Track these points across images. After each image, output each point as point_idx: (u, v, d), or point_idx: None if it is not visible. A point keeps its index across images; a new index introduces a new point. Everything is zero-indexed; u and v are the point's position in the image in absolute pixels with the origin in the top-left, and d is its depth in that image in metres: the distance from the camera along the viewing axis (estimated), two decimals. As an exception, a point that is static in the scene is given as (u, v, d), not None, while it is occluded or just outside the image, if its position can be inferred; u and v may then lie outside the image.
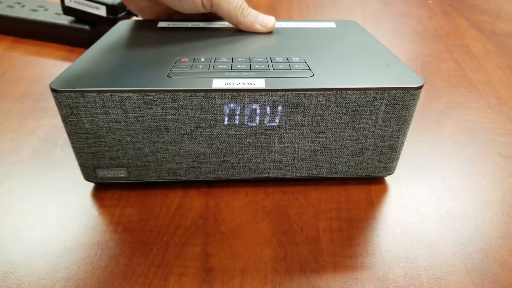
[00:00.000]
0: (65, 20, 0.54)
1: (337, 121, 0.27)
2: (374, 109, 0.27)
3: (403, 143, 0.29)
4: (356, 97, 0.26)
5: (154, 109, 0.26)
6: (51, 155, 0.34)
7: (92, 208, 0.29)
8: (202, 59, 0.29)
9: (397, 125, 0.28)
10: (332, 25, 0.39)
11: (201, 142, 0.28)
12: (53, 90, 0.25)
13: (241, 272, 0.24)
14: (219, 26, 0.38)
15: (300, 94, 0.26)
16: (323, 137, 0.28)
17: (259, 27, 0.36)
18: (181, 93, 0.25)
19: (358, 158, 0.29)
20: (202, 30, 0.37)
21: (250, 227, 0.27)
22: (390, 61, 0.30)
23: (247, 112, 0.26)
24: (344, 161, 0.29)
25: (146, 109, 0.26)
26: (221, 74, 0.27)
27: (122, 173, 0.29)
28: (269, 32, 0.37)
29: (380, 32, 0.63)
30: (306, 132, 0.28)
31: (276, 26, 0.39)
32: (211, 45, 0.33)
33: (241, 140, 0.28)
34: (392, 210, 0.29)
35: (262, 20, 0.36)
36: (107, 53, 0.30)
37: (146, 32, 0.36)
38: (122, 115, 0.26)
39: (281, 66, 0.28)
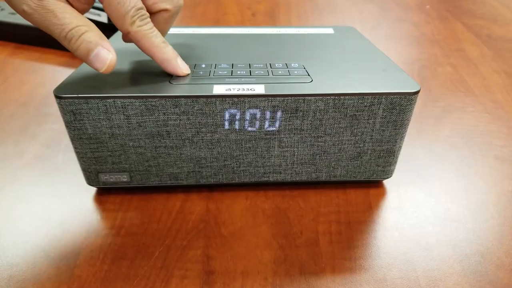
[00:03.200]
0: (66, 26, 0.54)
1: (335, 125, 0.28)
2: (372, 114, 0.27)
3: (400, 147, 0.30)
4: (354, 102, 0.27)
5: (156, 114, 0.26)
6: (53, 159, 0.34)
7: (94, 212, 0.29)
8: (203, 65, 0.30)
9: (395, 129, 0.28)
10: (330, 31, 0.40)
11: (202, 146, 0.28)
12: (57, 96, 0.25)
13: (241, 274, 0.25)
14: (219, 32, 0.39)
15: (299, 99, 0.26)
16: (322, 142, 0.28)
17: (89, 63, 0.25)
18: (183, 99, 0.26)
19: (356, 162, 0.30)
20: (202, 36, 0.38)
21: (251, 230, 0.28)
22: (388, 67, 0.30)
23: (247, 117, 0.27)
24: (343, 165, 0.30)
25: (148, 115, 0.26)
26: (222, 80, 0.27)
27: (124, 178, 0.29)
28: (269, 37, 0.37)
29: (377, 37, 0.64)
30: (305, 136, 0.28)
31: (276, 32, 0.39)
32: (211, 52, 0.34)
33: (241, 145, 0.28)
34: (390, 213, 0.30)
35: (96, 56, 0.25)
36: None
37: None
38: (125, 120, 0.26)
39: (280, 72, 0.29)
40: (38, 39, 0.56)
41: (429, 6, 0.79)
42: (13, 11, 0.58)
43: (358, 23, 0.69)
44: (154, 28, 0.27)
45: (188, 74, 0.28)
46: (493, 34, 0.65)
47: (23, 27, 0.55)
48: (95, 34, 0.25)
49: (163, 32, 0.30)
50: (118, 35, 0.37)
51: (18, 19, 0.56)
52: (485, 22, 0.70)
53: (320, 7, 0.77)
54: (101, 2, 0.25)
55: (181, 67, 0.28)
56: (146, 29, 0.26)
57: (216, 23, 0.68)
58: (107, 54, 0.25)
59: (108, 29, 0.52)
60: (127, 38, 0.31)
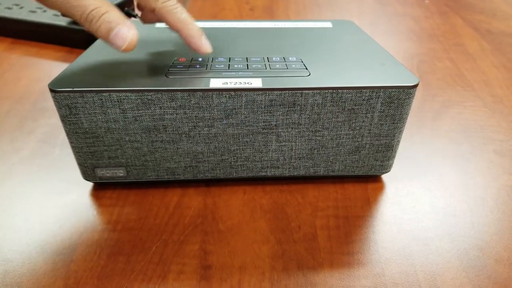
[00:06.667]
0: (63, 21, 0.54)
1: (333, 119, 0.27)
2: (370, 108, 0.27)
3: (399, 141, 0.29)
4: (352, 96, 0.26)
5: (152, 108, 0.26)
6: (50, 155, 0.34)
7: (91, 207, 0.29)
8: (200, 59, 0.30)
9: (393, 123, 0.28)
10: (328, 25, 0.40)
11: (199, 141, 0.28)
12: (52, 90, 0.25)
13: (239, 269, 0.25)
14: (216, 26, 0.39)
15: (296, 93, 0.26)
16: (320, 136, 0.28)
17: (110, 42, 0.25)
18: (179, 92, 0.25)
19: (354, 156, 0.30)
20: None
21: (248, 225, 0.28)
22: (386, 60, 0.30)
23: (245, 111, 0.27)
24: (341, 159, 0.30)
25: (144, 109, 0.26)
26: (219, 74, 0.27)
27: (120, 173, 0.29)
28: (267, 32, 0.37)
29: (376, 32, 0.63)
30: (303, 130, 0.28)
31: (273, 26, 0.39)
32: None
33: (239, 139, 0.28)
34: (389, 208, 0.29)
35: (115, 36, 0.25)
36: (105, 54, 0.31)
37: (144, 33, 0.36)
38: (121, 114, 0.26)
39: (278, 66, 0.29)
40: (35, 34, 0.56)
41: (428, 0, 0.78)
42: (9, 5, 0.57)
43: (357, 18, 0.69)
44: (179, 4, 0.28)
45: (208, 53, 0.29)
46: (492, 28, 0.65)
47: (19, 22, 0.55)
48: (115, 14, 0.25)
49: None
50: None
51: (15, 14, 0.55)
52: (485, 17, 0.70)
53: (319, 2, 0.77)
54: None
55: (204, 46, 0.29)
56: (170, 4, 0.27)
57: (214, 18, 0.68)
58: (127, 31, 0.25)
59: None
60: (148, 17, 0.32)
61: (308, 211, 0.29)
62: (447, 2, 0.77)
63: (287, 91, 0.26)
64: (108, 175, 0.29)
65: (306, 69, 0.28)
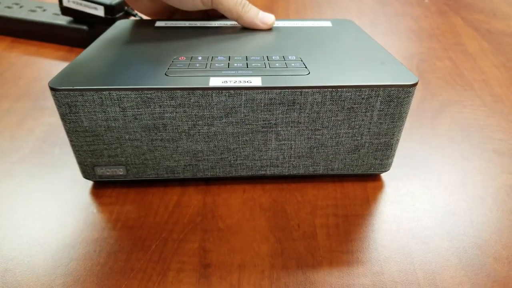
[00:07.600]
0: (63, 20, 0.54)
1: (333, 118, 0.27)
2: (369, 107, 0.27)
3: (398, 140, 0.30)
4: (351, 94, 0.26)
5: (152, 107, 0.26)
6: (50, 153, 0.34)
7: (91, 205, 0.29)
8: (199, 58, 0.30)
9: (392, 122, 0.28)
10: (328, 24, 0.40)
11: (198, 139, 0.28)
12: (52, 89, 0.25)
13: (238, 267, 0.25)
14: (216, 25, 0.39)
15: (296, 91, 0.26)
16: (319, 134, 0.28)
17: (259, 23, 0.36)
18: (179, 91, 0.26)
19: (354, 155, 0.30)
20: (199, 29, 0.37)
21: (248, 224, 0.28)
22: (385, 59, 0.30)
23: (244, 109, 0.27)
24: (340, 158, 0.30)
25: (144, 107, 0.26)
26: (218, 72, 0.27)
27: (120, 171, 0.29)
28: (266, 30, 0.37)
29: (376, 31, 0.63)
30: (302, 129, 0.28)
31: (273, 25, 0.39)
32: (208, 44, 0.33)
33: (238, 138, 0.28)
34: (388, 206, 0.30)
35: (263, 16, 0.37)
36: (105, 52, 0.31)
37: (144, 31, 0.36)
38: (120, 113, 0.26)
39: (277, 64, 0.29)
40: (35, 33, 0.56)
41: (428, 0, 0.78)
42: (9, 4, 0.57)
43: (357, 17, 0.69)
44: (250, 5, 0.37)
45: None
46: (492, 28, 0.65)
47: (19, 21, 0.55)
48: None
49: None
50: (113, 28, 0.37)
51: (15, 13, 0.55)
52: (484, 17, 0.70)
53: (319, 1, 0.77)
54: None
55: (262, 25, 0.37)
56: (249, 10, 0.37)
57: (214, 18, 0.68)
58: (267, 14, 0.37)
59: (104, 22, 0.52)
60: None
61: (308, 209, 0.29)
62: (446, 1, 0.77)
63: (287, 90, 0.26)
64: (108, 173, 0.29)
65: (306, 68, 0.28)
